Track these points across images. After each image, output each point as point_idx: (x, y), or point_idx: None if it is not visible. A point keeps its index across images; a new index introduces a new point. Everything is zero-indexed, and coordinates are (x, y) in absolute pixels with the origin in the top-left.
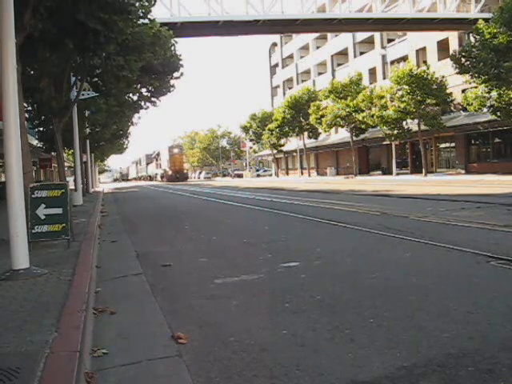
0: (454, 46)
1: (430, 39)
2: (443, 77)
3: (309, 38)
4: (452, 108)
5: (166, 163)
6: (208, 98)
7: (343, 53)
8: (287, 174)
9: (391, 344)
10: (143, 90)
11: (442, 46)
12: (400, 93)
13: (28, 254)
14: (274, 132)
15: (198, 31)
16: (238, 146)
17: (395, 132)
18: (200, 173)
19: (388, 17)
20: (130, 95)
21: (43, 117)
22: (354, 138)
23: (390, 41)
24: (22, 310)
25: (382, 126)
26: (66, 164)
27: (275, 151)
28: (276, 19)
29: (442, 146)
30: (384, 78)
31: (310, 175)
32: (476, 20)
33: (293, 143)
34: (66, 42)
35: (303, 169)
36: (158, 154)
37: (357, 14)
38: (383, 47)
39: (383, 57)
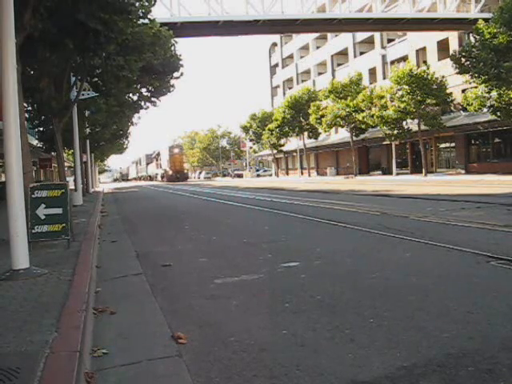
0: (454, 45)
1: (430, 39)
2: (443, 77)
3: (309, 37)
4: (452, 108)
5: (167, 163)
6: (208, 97)
7: (343, 53)
8: (287, 174)
9: (391, 344)
10: (143, 90)
11: (442, 46)
12: (400, 93)
13: (28, 254)
14: (274, 132)
15: (198, 31)
16: (238, 146)
17: (395, 132)
18: (200, 173)
19: (388, 17)
20: (130, 95)
21: (43, 117)
22: (354, 138)
23: (390, 41)
24: (21, 310)
25: (382, 126)
26: (66, 164)
27: (275, 151)
28: (276, 19)
29: (442, 145)
30: (384, 78)
31: (309, 175)
32: (476, 20)
33: (293, 143)
34: (66, 42)
35: (303, 169)
36: (158, 154)
37: (357, 14)
38: (383, 47)
39: (383, 57)
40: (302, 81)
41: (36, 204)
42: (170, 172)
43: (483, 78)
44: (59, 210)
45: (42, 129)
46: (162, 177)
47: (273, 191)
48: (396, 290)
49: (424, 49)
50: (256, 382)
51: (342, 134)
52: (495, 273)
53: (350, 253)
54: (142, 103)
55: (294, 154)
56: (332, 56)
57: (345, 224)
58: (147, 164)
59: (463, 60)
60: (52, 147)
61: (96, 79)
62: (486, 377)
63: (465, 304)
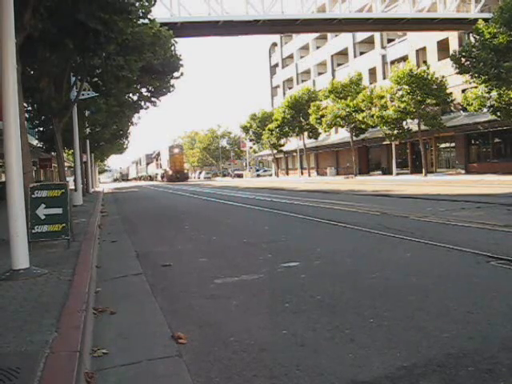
0: (454, 46)
1: (430, 39)
2: (443, 77)
3: (309, 37)
4: (452, 108)
5: (167, 163)
6: (208, 97)
7: (343, 53)
8: (287, 174)
9: (391, 344)
10: (143, 90)
11: (442, 46)
12: (400, 93)
13: (28, 254)
14: (273, 132)
15: (198, 31)
16: (238, 146)
17: (395, 132)
18: (200, 173)
19: (388, 17)
20: (130, 95)
21: (43, 117)
22: (354, 138)
23: (390, 41)
24: (22, 310)
25: (382, 126)
26: (66, 164)
27: (275, 151)
28: (276, 19)
29: (442, 145)
30: (384, 78)
31: (309, 175)
32: (476, 20)
33: (293, 143)
34: (66, 42)
35: (303, 169)
36: (159, 154)
37: (357, 14)
38: (383, 47)
39: (383, 57)
40: (302, 81)
41: (36, 204)
42: (170, 172)
43: (483, 78)
44: (59, 210)
45: (42, 129)
46: (162, 177)
47: (273, 191)
48: (396, 290)
49: (424, 49)
50: (256, 382)
51: (342, 134)
52: (495, 273)
53: (349, 253)
54: (142, 103)
55: (294, 153)
56: (332, 56)
57: (345, 224)
58: (147, 164)
59: (463, 60)
60: (52, 147)
61: (96, 79)
62: (486, 377)
63: (465, 304)
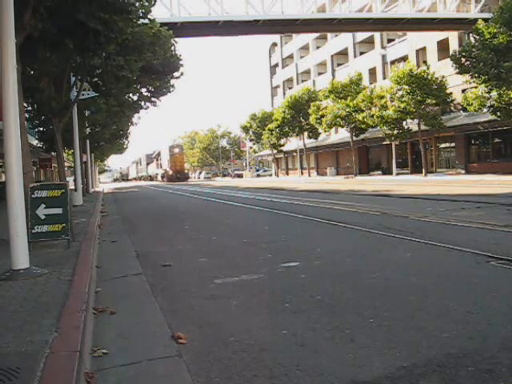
0: (454, 46)
1: (430, 39)
2: (443, 77)
3: (309, 37)
4: (452, 108)
5: (167, 163)
6: (208, 97)
7: (343, 53)
8: (287, 174)
9: (391, 344)
10: (143, 90)
11: (442, 46)
12: (400, 93)
13: (28, 254)
14: (273, 132)
15: (198, 31)
16: (238, 146)
17: (395, 132)
18: (200, 173)
19: (388, 17)
20: (130, 95)
21: (43, 117)
22: (354, 138)
23: (390, 41)
24: (21, 310)
25: (382, 126)
26: (66, 164)
27: (275, 151)
28: (276, 19)
29: (442, 146)
30: (384, 78)
31: (309, 175)
32: (476, 20)
33: (293, 143)
34: (66, 42)
35: (303, 169)
36: (159, 154)
37: (357, 14)
38: (383, 47)
39: (383, 57)
40: (302, 81)
41: (36, 204)
42: (171, 172)
43: (483, 77)
44: (59, 210)
45: (42, 129)
46: (163, 177)
47: (273, 191)
48: (396, 290)
49: (424, 49)
50: (256, 381)
51: (342, 134)
52: (495, 273)
53: (349, 253)
54: (142, 103)
55: (294, 153)
56: (332, 56)
57: (345, 224)
58: (147, 164)
59: (463, 60)
60: (52, 147)
61: (96, 79)
62: (486, 377)
63: (465, 304)
